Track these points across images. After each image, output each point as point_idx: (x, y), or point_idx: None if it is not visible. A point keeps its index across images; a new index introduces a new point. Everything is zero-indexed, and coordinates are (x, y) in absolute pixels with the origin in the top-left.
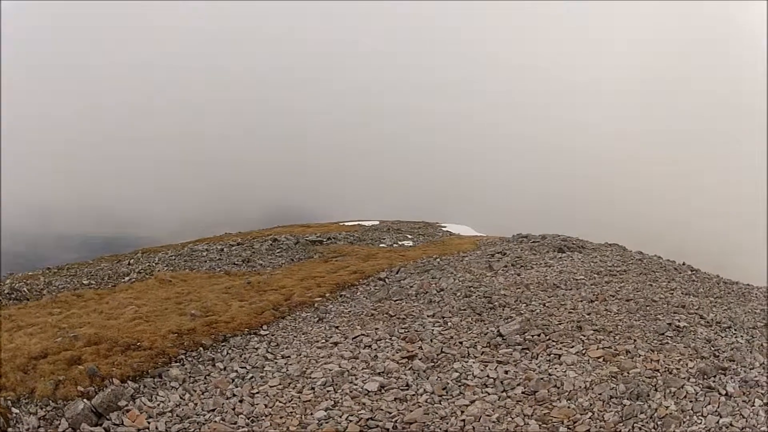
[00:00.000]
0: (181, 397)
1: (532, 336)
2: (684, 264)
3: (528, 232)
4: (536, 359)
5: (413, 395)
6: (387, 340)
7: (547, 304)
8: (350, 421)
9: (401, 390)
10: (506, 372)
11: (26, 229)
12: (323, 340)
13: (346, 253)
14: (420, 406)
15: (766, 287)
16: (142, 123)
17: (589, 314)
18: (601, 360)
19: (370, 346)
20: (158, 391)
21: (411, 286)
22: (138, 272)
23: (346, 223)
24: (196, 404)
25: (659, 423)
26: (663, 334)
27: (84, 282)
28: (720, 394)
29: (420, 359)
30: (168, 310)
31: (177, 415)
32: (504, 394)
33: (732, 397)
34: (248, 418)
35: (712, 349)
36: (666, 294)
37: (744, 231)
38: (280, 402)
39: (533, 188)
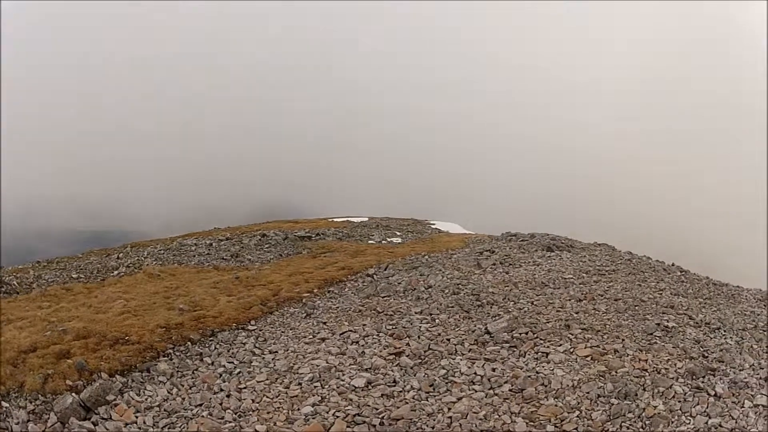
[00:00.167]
0: (168, 392)
1: (520, 334)
2: (673, 265)
3: (517, 231)
4: (524, 357)
5: (400, 392)
6: (374, 337)
7: (535, 303)
8: (337, 416)
9: (388, 386)
10: (493, 369)
11: (14, 223)
12: (311, 336)
13: (335, 249)
14: (407, 403)
15: (756, 289)
16: (136, 120)
17: (577, 313)
18: (589, 359)
19: (357, 342)
20: (146, 385)
21: (399, 283)
22: (127, 266)
23: (335, 220)
24: (183, 399)
25: (647, 422)
26: (651, 334)
27: (73, 276)
28: (709, 394)
29: (407, 356)
30: (156, 304)
31: (164, 410)
32: (491, 391)
33: (721, 398)
34: (235, 413)
35: (701, 349)
36: (655, 294)
37: (744, 231)
38: (267, 397)
39: (533, 188)
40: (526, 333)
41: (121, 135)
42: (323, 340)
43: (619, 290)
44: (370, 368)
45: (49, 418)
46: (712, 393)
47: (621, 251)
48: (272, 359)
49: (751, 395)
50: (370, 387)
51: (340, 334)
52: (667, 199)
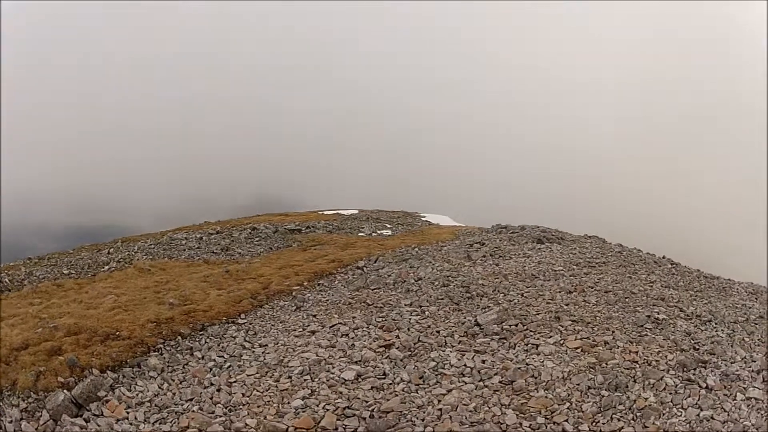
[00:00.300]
0: (159, 387)
1: (510, 326)
2: (664, 257)
3: (507, 223)
4: (513, 349)
5: (390, 384)
6: (364, 329)
7: (525, 295)
8: (327, 409)
9: (378, 379)
10: (483, 361)
11: (7, 219)
12: (300, 329)
13: (325, 242)
14: (397, 395)
15: (747, 282)
16: (131, 118)
17: (567, 305)
18: (579, 351)
19: (347, 335)
20: (137, 380)
21: (389, 275)
22: (117, 261)
23: (325, 213)
24: (174, 394)
25: (638, 414)
26: (642, 326)
27: (64, 272)
28: (700, 387)
29: (397, 348)
30: (147, 299)
31: (155, 405)
32: (481, 383)
33: (713, 391)
34: (226, 407)
35: (692, 342)
36: (645, 286)
37: (744, 231)
38: (257, 391)
39: (533, 188)
40: (516, 325)
41: (117, 132)
42: (313, 333)
43: (610, 282)
44: (360, 361)
45: (41, 416)
46: (704, 385)
47: (611, 243)
48: (262, 353)
49: (744, 388)
50: (360, 380)
51: (330, 327)
52: (666, 199)
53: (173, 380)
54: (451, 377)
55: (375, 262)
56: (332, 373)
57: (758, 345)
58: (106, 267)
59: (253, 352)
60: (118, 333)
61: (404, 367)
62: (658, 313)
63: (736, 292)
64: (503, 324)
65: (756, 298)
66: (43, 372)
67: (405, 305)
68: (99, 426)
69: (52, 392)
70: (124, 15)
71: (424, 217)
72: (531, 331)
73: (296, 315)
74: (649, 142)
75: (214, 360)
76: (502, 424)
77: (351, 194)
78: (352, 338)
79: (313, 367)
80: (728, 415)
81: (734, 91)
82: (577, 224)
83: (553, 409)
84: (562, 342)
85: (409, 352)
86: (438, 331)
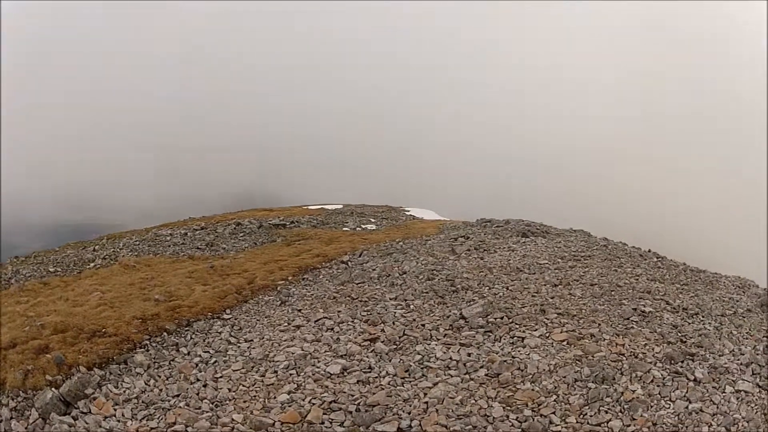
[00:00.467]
0: (146, 383)
1: (495, 319)
2: (650, 251)
3: (492, 217)
4: (499, 342)
5: (376, 378)
6: (349, 323)
7: (510, 288)
8: (313, 404)
9: (364, 372)
10: (469, 354)
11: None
12: (286, 324)
13: (309, 237)
14: (383, 389)
15: (734, 276)
16: (117, 116)
17: (552, 298)
18: (565, 343)
19: (332, 329)
20: (124, 377)
21: (374, 270)
22: (103, 258)
23: (310, 207)
24: (161, 390)
25: (626, 407)
26: (628, 318)
27: (50, 270)
28: (688, 379)
29: (382, 342)
30: (132, 295)
31: (142, 402)
32: (467, 376)
33: (701, 383)
34: (212, 403)
35: (679, 334)
36: (631, 279)
37: (744, 231)
38: (243, 386)
39: (532, 188)
40: (502, 318)
41: (102, 131)
42: (298, 327)
43: (595, 275)
44: (345, 355)
45: (30, 415)
46: (692, 378)
47: (597, 237)
48: (248, 348)
49: (732, 381)
50: (345, 373)
51: (315, 321)
52: (666, 198)
53: (159, 376)
54: (437, 370)
55: (360, 256)
56: (318, 368)
57: (746, 338)
58: (92, 264)
59: (239, 347)
60: (104, 330)
61: (390, 361)
62: (645, 306)
63: (723, 285)
64: (489, 317)
65: (743, 292)
66: (31, 370)
67: (390, 299)
68: (87, 424)
69: (41, 391)
70: (124, 15)
71: (408, 211)
72: (517, 324)
73: (281, 310)
74: (649, 142)
75: (200, 356)
76: (488, 417)
77: (335, 189)
78: (337, 332)
79: (298, 361)
80: (717, 407)
81: (734, 91)
82: (576, 224)
83: (539, 401)
84: (548, 335)
85: (395, 346)
86: (423, 325)
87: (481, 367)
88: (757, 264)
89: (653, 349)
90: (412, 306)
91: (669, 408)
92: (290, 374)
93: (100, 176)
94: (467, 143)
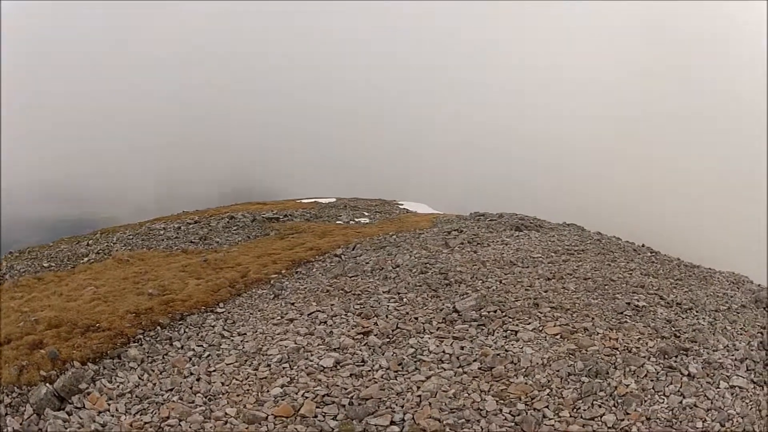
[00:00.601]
0: (139, 378)
1: (488, 312)
2: (643, 246)
3: (485, 211)
4: (492, 335)
5: (369, 371)
6: (342, 317)
7: (503, 281)
8: (306, 397)
9: (357, 366)
10: (462, 348)
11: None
12: (279, 317)
13: (303, 230)
14: (376, 382)
15: (729, 272)
16: (112, 112)
17: (546, 292)
18: (558, 337)
19: (325, 323)
20: (117, 372)
21: (367, 263)
22: (96, 253)
23: (303, 201)
24: (154, 384)
25: (619, 401)
26: (622, 313)
27: (44, 265)
28: (682, 374)
29: (375, 335)
30: (126, 290)
31: (136, 396)
32: (460, 369)
33: (695, 378)
34: (205, 397)
35: (673, 329)
36: (625, 274)
37: (744, 231)
38: (236, 380)
39: (532, 188)
40: (495, 311)
41: (96, 125)
42: (291, 320)
43: (589, 270)
44: (338, 348)
45: (25, 410)
46: (686, 373)
47: (590, 231)
48: (241, 341)
49: (727, 376)
50: (338, 367)
51: (308, 315)
52: (666, 198)
53: (153, 371)
54: (430, 364)
55: (353, 249)
56: (311, 361)
57: (740, 334)
58: (86, 259)
59: (232, 340)
60: (98, 325)
61: (383, 354)
62: (638, 301)
63: (717, 281)
64: (482, 310)
65: (738, 288)
66: (25, 366)
67: (383, 292)
68: (81, 419)
69: (35, 386)
70: (124, 15)
71: (401, 204)
72: (510, 317)
73: (274, 303)
74: (649, 141)
75: (194, 349)
76: (482, 410)
77: (329, 183)
78: (331, 326)
79: (291, 355)
80: (712, 403)
81: (734, 91)
82: (575, 222)
83: (533, 395)
84: (541, 328)
85: (388, 339)
86: (416, 318)
87: (474, 360)
88: (758, 264)
89: (647, 344)
90: (405, 299)
91: (663, 403)
92: (283, 368)
93: (99, 173)
94: (467, 143)
